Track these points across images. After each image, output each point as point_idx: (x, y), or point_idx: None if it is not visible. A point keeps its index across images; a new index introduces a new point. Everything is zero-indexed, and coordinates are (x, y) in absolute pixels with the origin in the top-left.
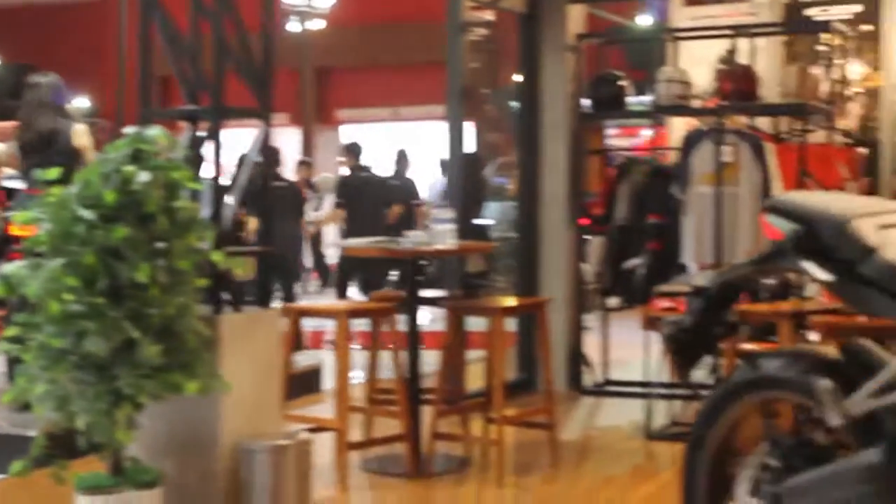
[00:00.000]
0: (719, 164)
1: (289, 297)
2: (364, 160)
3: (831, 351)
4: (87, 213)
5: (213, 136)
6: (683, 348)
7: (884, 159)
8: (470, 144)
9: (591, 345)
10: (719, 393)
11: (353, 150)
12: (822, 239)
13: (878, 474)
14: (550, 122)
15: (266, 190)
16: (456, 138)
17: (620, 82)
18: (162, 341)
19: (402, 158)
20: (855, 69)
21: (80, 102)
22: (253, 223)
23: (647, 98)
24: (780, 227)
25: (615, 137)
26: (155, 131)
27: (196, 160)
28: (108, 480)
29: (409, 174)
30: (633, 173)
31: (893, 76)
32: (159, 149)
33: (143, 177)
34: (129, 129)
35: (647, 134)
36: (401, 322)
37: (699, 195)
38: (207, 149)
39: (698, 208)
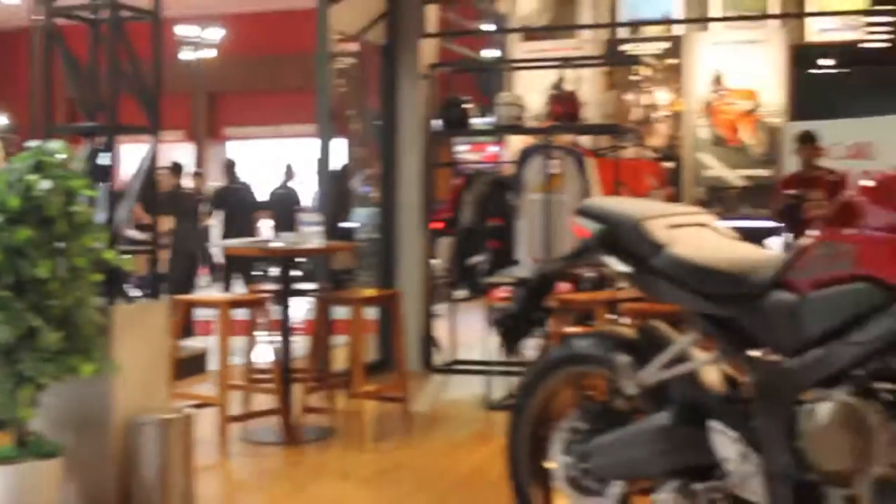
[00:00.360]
0: (548, 175)
1: (189, 287)
2: (239, 174)
3: (630, 332)
4: None
5: (109, 149)
6: (510, 331)
7: (685, 172)
8: (340, 158)
9: (440, 330)
10: (538, 368)
11: (228, 167)
12: (620, 237)
13: (666, 434)
14: (406, 140)
15: (177, 196)
16: (325, 153)
17: (466, 106)
18: (61, 329)
19: (288, 171)
20: (662, 96)
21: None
22: (164, 224)
23: (489, 119)
24: (589, 228)
25: (466, 152)
26: (55, 145)
27: (94, 171)
28: (14, 452)
29: (293, 184)
30: (476, 183)
31: (693, 102)
32: (60, 160)
33: (45, 184)
34: (32, 143)
35: (492, 150)
36: (275, 312)
37: (531, 202)
38: (104, 160)
39: (530, 213)
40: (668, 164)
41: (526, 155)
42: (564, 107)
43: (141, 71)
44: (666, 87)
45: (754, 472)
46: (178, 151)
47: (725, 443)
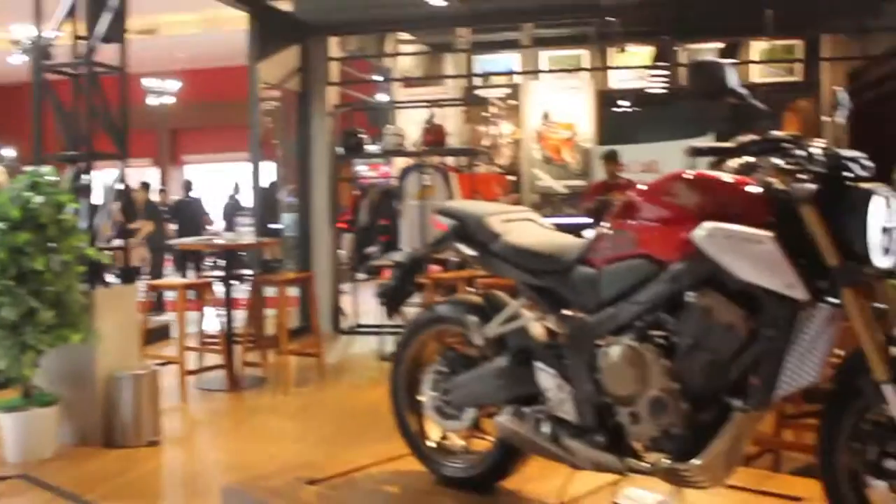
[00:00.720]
0: (422, 186)
1: (160, 275)
2: (192, 190)
3: (477, 298)
4: (0, 224)
5: (87, 171)
6: (390, 300)
7: (524, 183)
8: (269, 176)
9: (346, 302)
10: (411, 328)
11: (185, 186)
12: (468, 229)
13: (504, 373)
14: (318, 162)
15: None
16: (255, 172)
17: (361, 136)
18: (54, 308)
19: (235, 187)
20: (506, 128)
21: (9, 152)
22: (146, 228)
23: (379, 145)
24: (446, 223)
25: (362, 170)
26: (46, 169)
27: (78, 189)
28: (21, 402)
29: (238, 196)
30: (370, 193)
31: (528, 133)
32: (50, 181)
33: (39, 199)
34: (28, 168)
35: (382, 168)
36: (220, 292)
37: (410, 206)
38: (84, 180)
39: (410, 215)
40: (511, 178)
41: (406, 172)
42: (434, 136)
43: (111, 112)
44: (508, 121)
45: (567, 397)
46: (148, 174)
47: (546, 377)
